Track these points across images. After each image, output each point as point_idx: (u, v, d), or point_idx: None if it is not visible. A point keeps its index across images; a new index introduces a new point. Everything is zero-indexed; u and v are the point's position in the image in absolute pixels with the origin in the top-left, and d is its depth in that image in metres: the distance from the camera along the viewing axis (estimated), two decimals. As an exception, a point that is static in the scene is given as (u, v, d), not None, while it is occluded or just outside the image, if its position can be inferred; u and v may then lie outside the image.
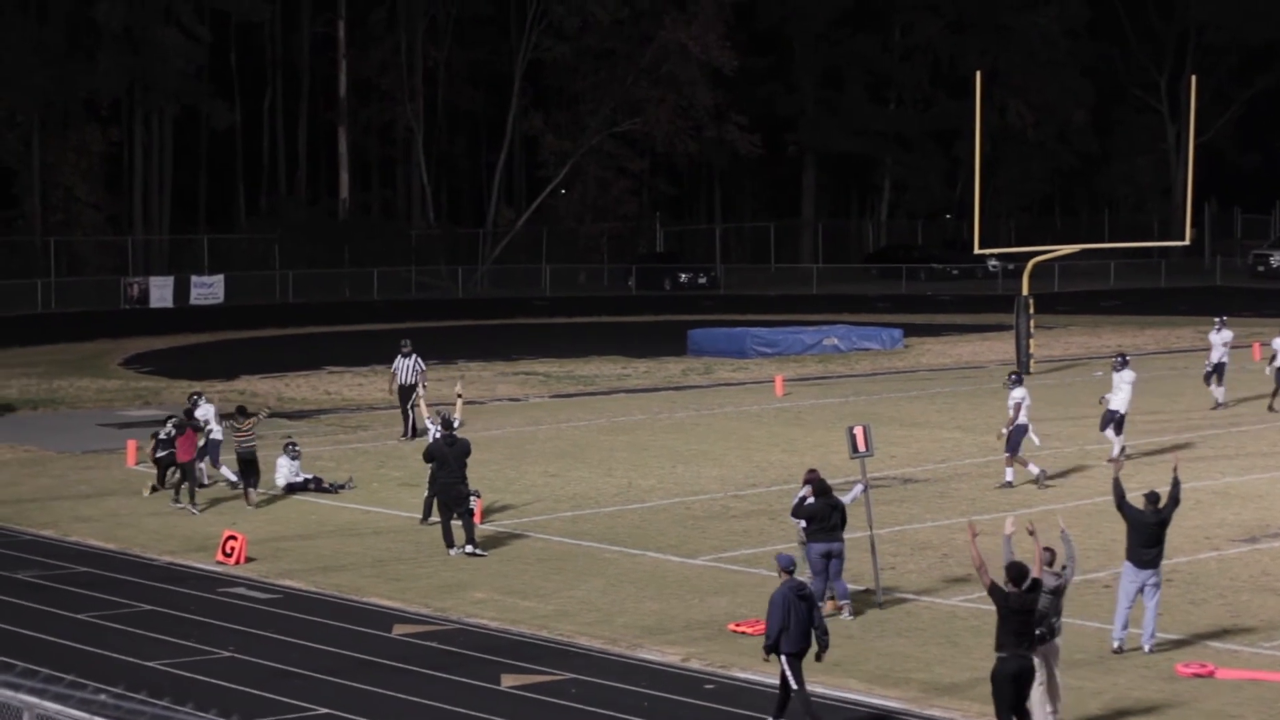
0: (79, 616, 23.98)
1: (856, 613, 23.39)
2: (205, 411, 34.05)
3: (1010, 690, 17.59)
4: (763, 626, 19.11)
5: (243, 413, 33.57)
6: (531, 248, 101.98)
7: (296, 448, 33.95)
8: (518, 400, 47.56)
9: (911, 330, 64.31)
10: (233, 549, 27.36)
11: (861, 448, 24.66)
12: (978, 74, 55.50)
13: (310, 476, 33.63)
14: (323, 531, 29.88)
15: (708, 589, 25.07)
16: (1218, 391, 43.61)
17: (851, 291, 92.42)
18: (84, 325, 72.62)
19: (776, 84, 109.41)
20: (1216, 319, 45.29)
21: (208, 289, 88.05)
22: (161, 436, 33.53)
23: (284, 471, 33.37)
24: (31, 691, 12.71)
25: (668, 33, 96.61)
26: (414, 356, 40.03)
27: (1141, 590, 21.53)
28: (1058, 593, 18.65)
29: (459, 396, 32.29)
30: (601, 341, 62.96)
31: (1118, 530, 23.29)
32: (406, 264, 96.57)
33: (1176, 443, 37.73)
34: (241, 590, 25.61)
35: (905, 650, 21.78)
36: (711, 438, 39.78)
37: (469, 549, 27.51)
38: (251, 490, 32.33)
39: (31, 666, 18.72)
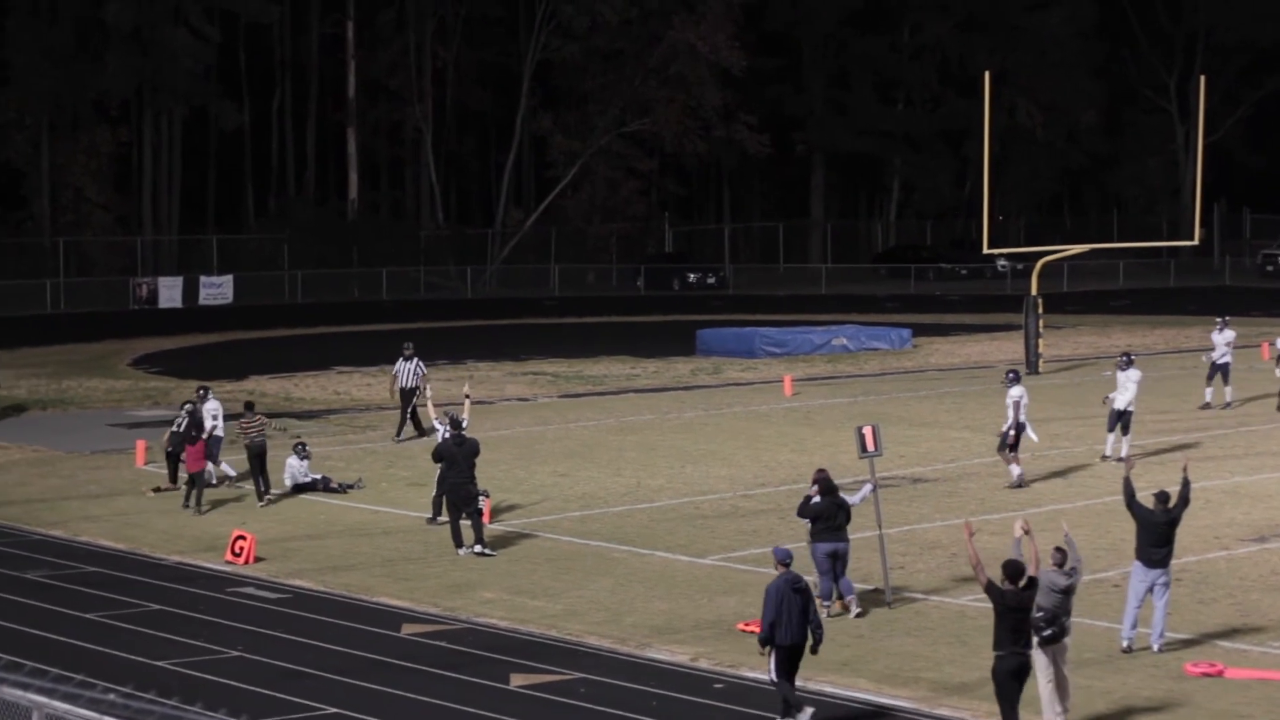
0: (88, 616, 24.00)
1: (864, 613, 23.36)
2: (213, 407, 34.15)
3: (1013, 687, 17.74)
4: (771, 626, 19.14)
5: (250, 408, 33.65)
6: (540, 248, 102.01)
7: (306, 448, 33.97)
8: (526, 400, 47.56)
9: (920, 330, 64.28)
10: (242, 549, 27.38)
11: (870, 447, 24.67)
12: (986, 74, 55.41)
13: (319, 476, 33.65)
14: (332, 531, 29.89)
15: (717, 589, 25.07)
16: (1213, 392, 43.59)
17: (860, 291, 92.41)
18: (93, 325, 72.68)
19: (785, 84, 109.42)
20: (1218, 319, 45.29)
21: (216, 289, 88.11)
22: (174, 429, 33.64)
23: (293, 471, 33.39)
24: (41, 691, 12.71)
25: (676, 33, 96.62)
26: (415, 360, 39.99)
27: (1151, 590, 21.51)
28: (1068, 593, 18.66)
29: (466, 397, 32.31)
30: (610, 342, 62.96)
31: (1127, 529, 23.29)
32: (415, 264, 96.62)
33: (1186, 442, 37.71)
34: (250, 590, 25.62)
35: (915, 650, 21.77)
36: (720, 437, 39.78)
37: (478, 549, 27.51)
38: (265, 489, 32.35)
39: (41, 666, 18.73)
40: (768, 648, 18.74)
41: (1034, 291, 52.08)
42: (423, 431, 38.92)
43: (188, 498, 32.01)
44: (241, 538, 27.55)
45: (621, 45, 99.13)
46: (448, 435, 28.87)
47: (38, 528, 30.66)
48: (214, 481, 33.58)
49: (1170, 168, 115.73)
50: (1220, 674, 20.48)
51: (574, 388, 49.89)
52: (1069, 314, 72.14)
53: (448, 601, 24.62)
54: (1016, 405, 32.76)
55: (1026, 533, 19.08)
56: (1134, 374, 35.55)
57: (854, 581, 23.79)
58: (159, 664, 21.41)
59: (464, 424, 28.77)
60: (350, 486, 33.58)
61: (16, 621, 23.67)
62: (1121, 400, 35.30)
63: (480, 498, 28.10)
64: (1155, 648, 21.42)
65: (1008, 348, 57.65)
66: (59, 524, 30.85)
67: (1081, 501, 31.16)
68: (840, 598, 23.43)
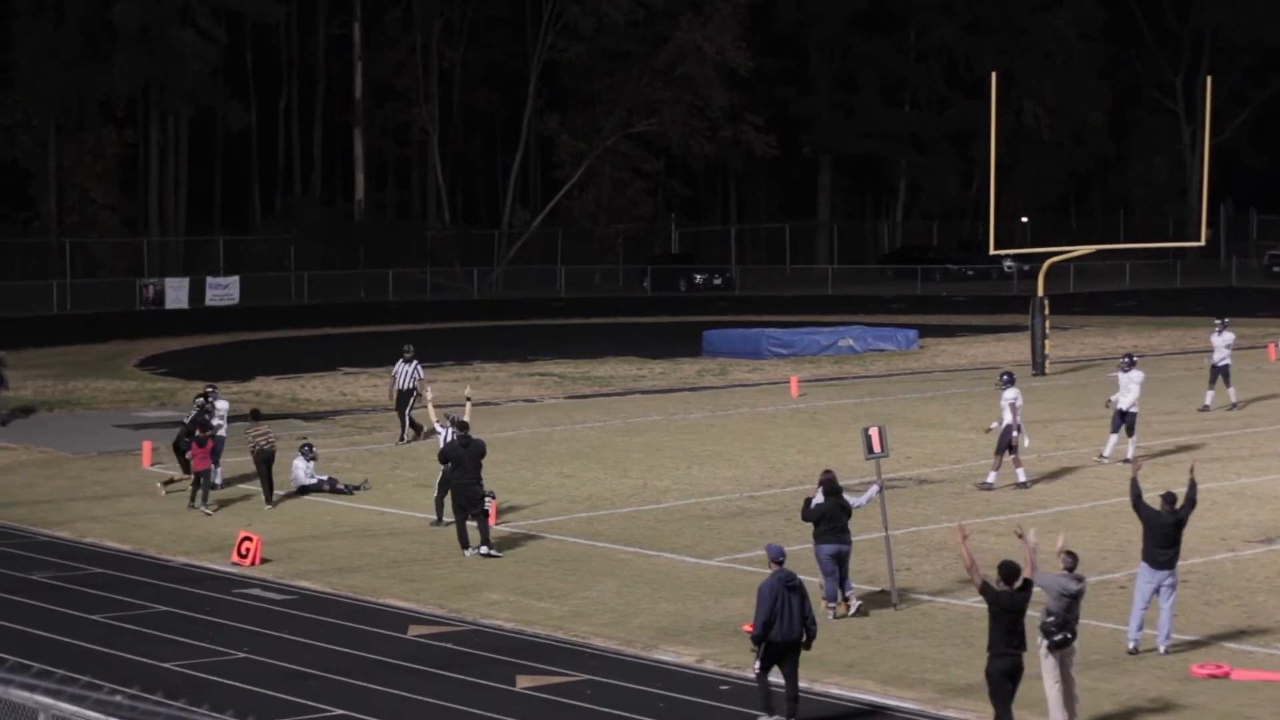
0: (94, 617, 24.01)
1: (864, 608, 23.35)
2: (222, 407, 34.31)
3: (1007, 688, 17.84)
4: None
5: (256, 416, 33.67)
6: (546, 248, 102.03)
7: (313, 449, 33.99)
8: (533, 401, 47.57)
9: (927, 331, 64.28)
10: (248, 550, 27.39)
11: (877, 449, 24.65)
12: (993, 75, 55.49)
13: (325, 478, 33.66)
14: (338, 532, 29.90)
15: (723, 590, 25.06)
16: (1214, 395, 43.53)
17: (867, 292, 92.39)
18: (100, 326, 72.74)
19: (792, 85, 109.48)
20: (1218, 320, 45.24)
21: (223, 290, 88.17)
22: (186, 422, 33.75)
23: (300, 472, 33.40)
24: (47, 692, 12.72)
25: (683, 34, 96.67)
26: (415, 363, 39.97)
27: (1157, 591, 21.50)
28: (1078, 598, 18.65)
29: (467, 399, 32.31)
30: (617, 342, 62.98)
31: (1133, 531, 23.27)
32: (421, 265, 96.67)
33: (1192, 443, 37.68)
34: (257, 591, 25.63)
35: (921, 651, 21.75)
36: (727, 438, 39.77)
37: (484, 550, 27.51)
38: (270, 491, 32.39)
39: (47, 667, 18.73)
40: (760, 646, 18.80)
41: (1040, 292, 52.09)
42: (419, 433, 38.97)
43: (193, 498, 32.04)
44: (247, 539, 27.56)
45: (628, 46, 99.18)
46: (453, 436, 28.87)
47: (44, 529, 30.68)
48: (218, 483, 33.58)
49: (1176, 168, 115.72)
50: (1226, 675, 20.46)
51: (580, 389, 49.90)
52: (1075, 315, 72.11)
53: (453, 603, 24.62)
54: (1013, 408, 32.74)
55: (1020, 536, 19.08)
56: (1136, 375, 35.48)
57: (860, 584, 23.75)
58: (165, 665, 21.41)
59: (467, 426, 28.79)
60: (356, 488, 33.58)
61: (23, 623, 23.68)
62: (1124, 401, 35.25)
63: (486, 499, 28.09)
64: (1161, 649, 21.41)
65: (1014, 349, 57.65)
66: (65, 525, 30.86)
67: (1087, 503, 31.14)
68: (846, 599, 23.41)
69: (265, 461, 32.37)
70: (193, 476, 32.19)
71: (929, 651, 21.74)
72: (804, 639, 18.93)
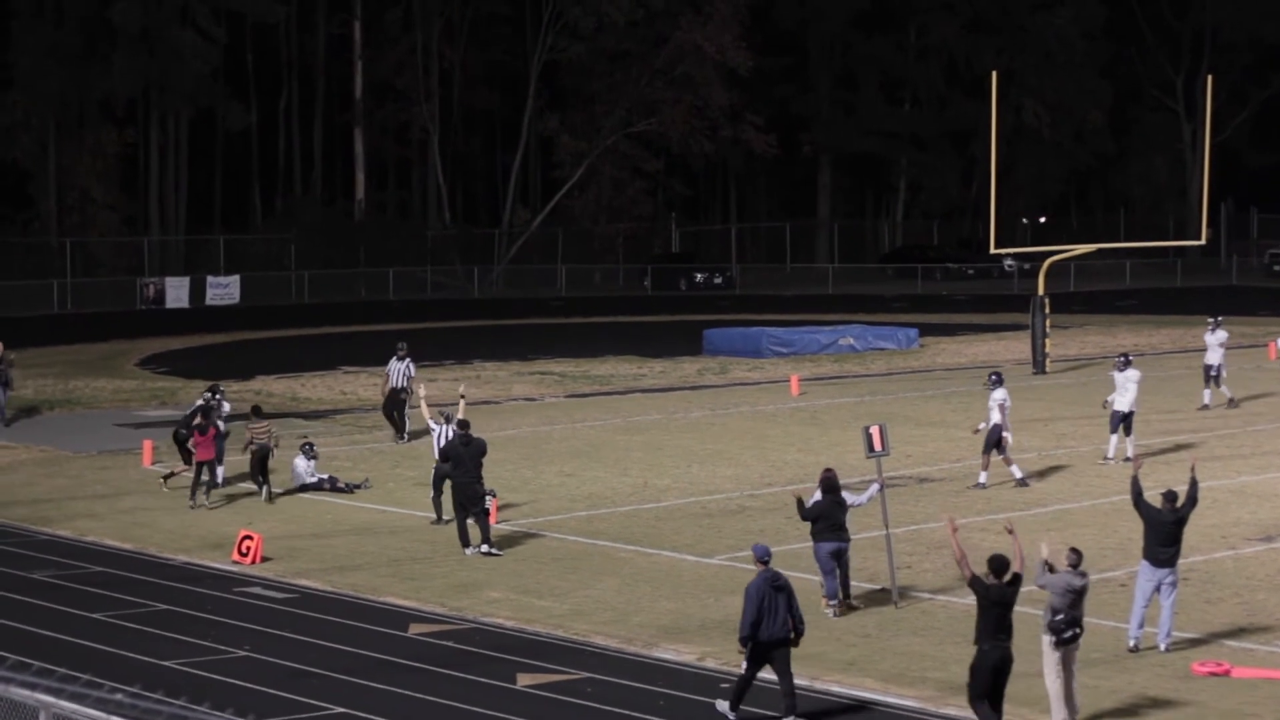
0: (95, 616, 24.01)
1: (868, 609, 23.37)
2: (225, 409, 34.33)
3: (989, 680, 17.91)
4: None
5: (257, 412, 33.69)
6: (547, 248, 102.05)
7: (314, 448, 34.00)
8: (533, 400, 47.57)
9: (927, 330, 64.28)
10: (249, 548, 27.38)
11: (877, 447, 24.66)
12: (993, 74, 55.48)
13: (326, 476, 33.67)
14: (338, 531, 29.90)
15: (723, 588, 25.05)
16: (1211, 393, 43.50)
17: (867, 291, 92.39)
18: (100, 326, 72.74)
19: (792, 84, 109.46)
20: (1210, 319, 45.11)
21: (223, 289, 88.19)
22: (187, 412, 33.80)
23: (300, 471, 33.41)
24: (48, 691, 12.72)
25: (683, 33, 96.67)
26: (407, 361, 39.97)
27: (1158, 589, 21.50)
28: (1082, 593, 18.67)
29: (462, 397, 32.32)
30: (617, 341, 62.98)
31: (1134, 529, 23.28)
32: (422, 264, 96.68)
33: (1192, 442, 37.69)
34: (257, 590, 25.63)
35: (921, 649, 21.76)
36: (727, 437, 39.78)
37: (485, 548, 27.52)
38: (267, 488, 32.42)
39: (48, 666, 18.75)
40: (748, 646, 18.84)
41: (1041, 291, 52.08)
42: (399, 432, 39.20)
43: (193, 495, 32.03)
44: (248, 537, 27.56)
45: (628, 46, 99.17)
46: (449, 434, 28.86)
47: (44, 528, 30.69)
48: (219, 482, 33.58)
49: (1177, 167, 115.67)
50: (1227, 673, 20.46)
51: (580, 387, 49.90)
52: (1076, 314, 72.10)
53: (454, 601, 24.63)
54: (1001, 408, 32.72)
55: (1010, 532, 19.10)
56: (1133, 374, 35.37)
57: (861, 581, 23.75)
58: (166, 664, 21.41)
59: (468, 424, 28.80)
60: (357, 486, 33.59)
61: (23, 621, 23.69)
62: (1123, 402, 35.15)
63: (487, 497, 28.10)
64: (1162, 647, 21.41)
65: (1014, 347, 57.64)
66: (66, 524, 30.87)
67: (1088, 501, 31.15)
68: (846, 598, 23.42)
69: (261, 459, 32.38)
70: (194, 468, 32.20)
71: (929, 649, 21.75)
72: (792, 637, 18.95)
